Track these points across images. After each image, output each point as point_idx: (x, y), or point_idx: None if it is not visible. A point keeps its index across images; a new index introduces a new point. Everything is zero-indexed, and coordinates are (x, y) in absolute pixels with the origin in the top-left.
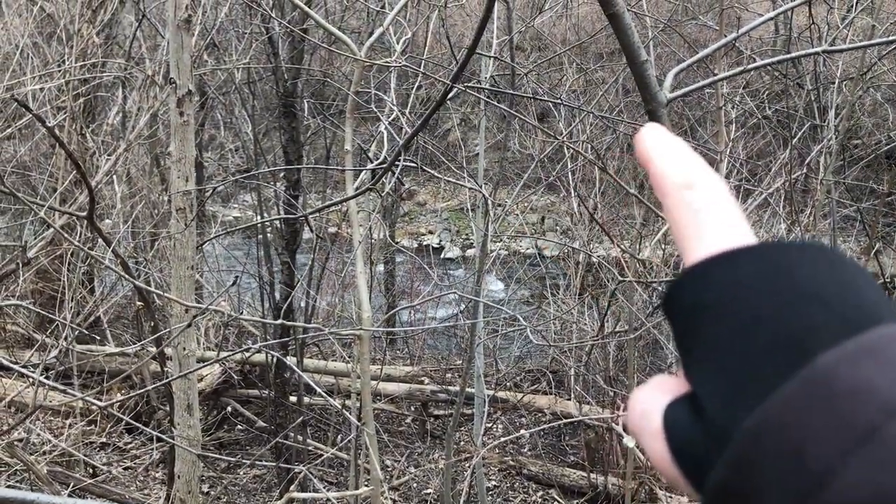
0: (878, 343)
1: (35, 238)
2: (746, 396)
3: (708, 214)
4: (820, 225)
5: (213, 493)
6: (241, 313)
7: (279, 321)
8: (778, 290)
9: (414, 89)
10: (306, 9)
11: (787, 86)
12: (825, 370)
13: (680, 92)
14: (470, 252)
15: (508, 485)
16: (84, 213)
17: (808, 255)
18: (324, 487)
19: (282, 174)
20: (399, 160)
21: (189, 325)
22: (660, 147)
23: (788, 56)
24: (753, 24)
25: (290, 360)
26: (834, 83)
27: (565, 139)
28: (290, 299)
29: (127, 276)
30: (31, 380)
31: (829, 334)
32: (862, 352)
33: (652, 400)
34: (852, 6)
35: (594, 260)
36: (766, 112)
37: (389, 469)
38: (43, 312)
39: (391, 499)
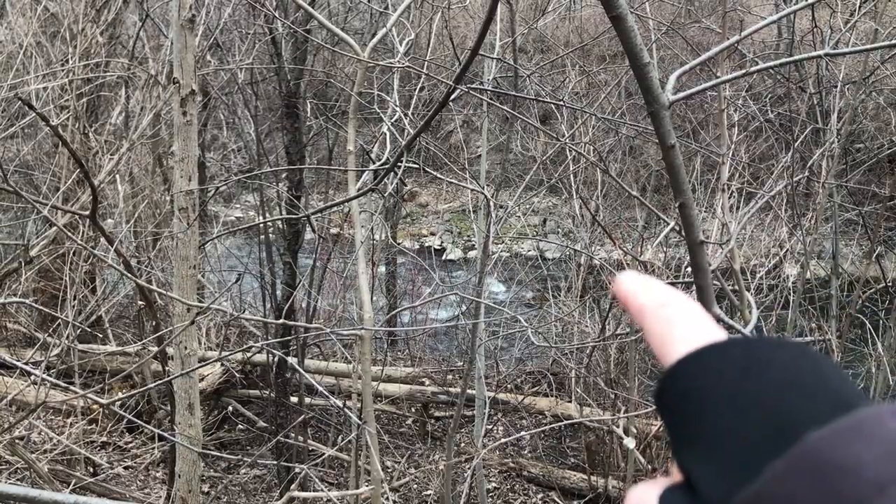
0: (862, 422)
1: (37, 237)
2: (738, 474)
3: (683, 322)
4: (821, 229)
5: (213, 492)
6: (243, 313)
7: (281, 321)
8: (760, 377)
9: (416, 91)
10: (310, 9)
11: (790, 89)
12: (814, 447)
13: (682, 94)
14: (471, 254)
15: (509, 486)
16: (87, 212)
17: (783, 347)
18: (324, 488)
19: (284, 175)
20: (401, 161)
21: (192, 323)
22: (634, 285)
23: (792, 59)
24: (756, 26)
25: (291, 361)
26: (836, 87)
27: (567, 141)
28: (291, 300)
29: (129, 275)
30: (32, 378)
31: (814, 416)
32: (848, 430)
33: (646, 493)
34: (855, 10)
35: (596, 262)
36: (768, 115)
37: (390, 470)
38: (45, 311)
39: (391, 500)
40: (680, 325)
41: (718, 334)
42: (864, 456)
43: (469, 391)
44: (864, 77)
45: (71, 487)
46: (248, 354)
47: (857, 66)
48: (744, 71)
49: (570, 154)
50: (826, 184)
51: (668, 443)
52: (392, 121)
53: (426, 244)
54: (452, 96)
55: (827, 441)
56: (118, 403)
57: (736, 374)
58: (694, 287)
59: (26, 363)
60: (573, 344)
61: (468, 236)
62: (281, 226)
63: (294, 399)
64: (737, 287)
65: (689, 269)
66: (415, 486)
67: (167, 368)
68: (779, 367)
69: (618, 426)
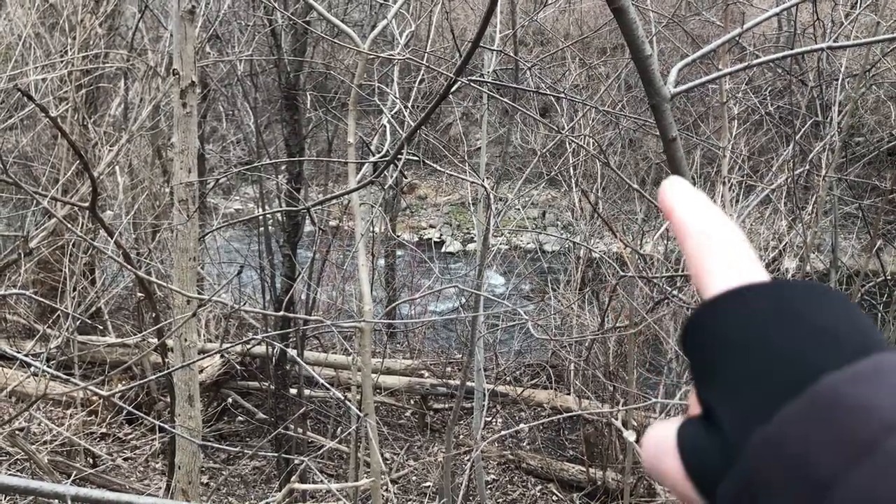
0: (878, 366)
1: (37, 228)
2: (759, 414)
3: (725, 255)
4: (821, 222)
5: (213, 484)
6: (243, 305)
7: (281, 313)
8: (788, 321)
9: (416, 83)
10: (310, 1)
11: (790, 82)
12: (829, 389)
13: (684, 87)
14: (470, 246)
15: (507, 478)
16: (86, 204)
17: (812, 292)
18: (324, 479)
19: (283, 167)
20: (401, 153)
21: (193, 315)
22: (681, 197)
23: (793, 52)
24: (757, 19)
25: (291, 353)
26: (837, 80)
27: (567, 134)
28: (291, 292)
29: (129, 267)
30: (32, 369)
31: (835, 360)
32: (863, 374)
33: (664, 428)
34: (856, 3)
35: (595, 255)
36: (768, 108)
37: (389, 462)
38: (44, 302)
39: (390, 492)
40: (720, 260)
41: (757, 273)
42: (877, 398)
43: (468, 383)
44: (865, 70)
45: (71, 479)
46: (248, 346)
47: (857, 60)
48: (745, 64)
49: (570, 147)
50: (826, 177)
51: (690, 373)
52: (392, 113)
53: (425, 237)
54: (453, 88)
55: (842, 383)
56: (118, 395)
57: (766, 317)
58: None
59: (26, 355)
60: (572, 336)
61: (467, 229)
62: (280, 218)
63: (293, 391)
64: None
65: None
66: (414, 478)
67: (167, 360)
68: (809, 314)
69: (616, 419)
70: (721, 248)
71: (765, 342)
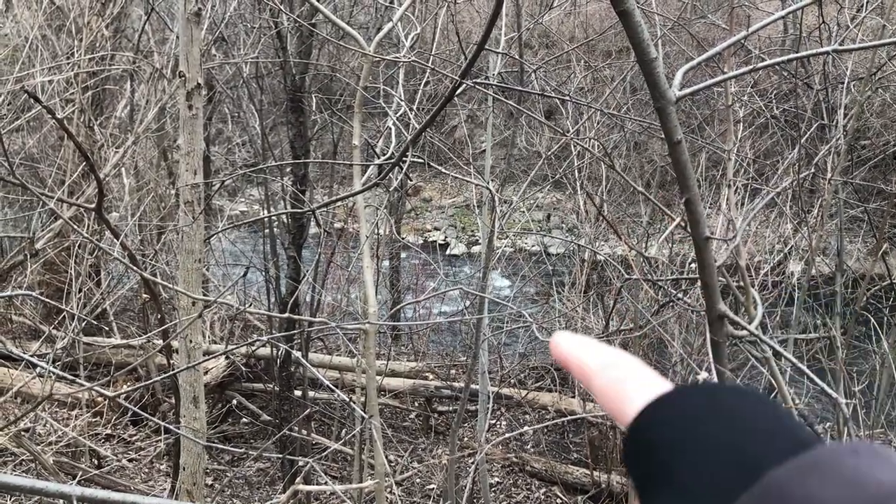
0: (820, 459)
1: (43, 229)
2: None
3: (637, 378)
4: (827, 225)
5: (217, 485)
6: (249, 306)
7: (286, 315)
8: (724, 419)
9: (422, 85)
10: (316, 3)
11: (796, 85)
12: (776, 485)
13: (689, 90)
14: (475, 249)
15: (511, 481)
16: (92, 205)
17: (740, 393)
18: (328, 481)
19: (289, 169)
20: (406, 156)
21: (199, 317)
22: (573, 346)
23: (798, 55)
24: (763, 22)
25: (296, 355)
26: (843, 83)
27: (572, 136)
28: (296, 294)
29: (135, 268)
30: (38, 370)
31: (775, 455)
32: (807, 468)
33: None
34: (862, 6)
35: (600, 258)
36: (773, 111)
37: (393, 464)
38: (50, 303)
39: (394, 494)
40: (632, 383)
41: (670, 388)
42: (824, 492)
43: (472, 386)
44: (871, 73)
45: (76, 479)
46: (253, 348)
47: (863, 63)
48: (750, 67)
49: (575, 149)
50: (832, 180)
51: (635, 490)
52: (397, 115)
53: (430, 239)
54: (458, 91)
55: (788, 478)
56: (123, 396)
57: (697, 419)
58: (699, 283)
59: (32, 355)
60: None
61: (472, 231)
62: (285, 220)
63: (298, 393)
64: (742, 283)
65: (694, 265)
66: (418, 480)
67: (172, 361)
68: (737, 412)
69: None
70: (631, 373)
71: (704, 441)
